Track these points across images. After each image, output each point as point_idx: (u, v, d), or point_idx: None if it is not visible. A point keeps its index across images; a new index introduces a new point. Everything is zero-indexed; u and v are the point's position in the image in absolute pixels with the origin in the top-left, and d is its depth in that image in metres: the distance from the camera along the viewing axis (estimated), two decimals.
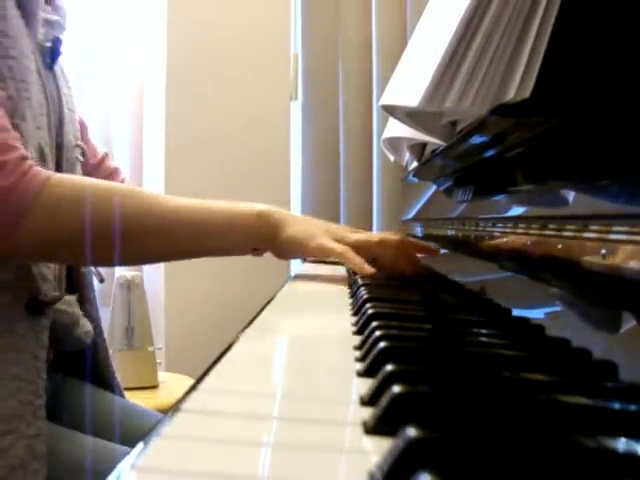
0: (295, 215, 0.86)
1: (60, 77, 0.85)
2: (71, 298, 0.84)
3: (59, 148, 0.82)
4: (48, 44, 0.81)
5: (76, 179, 0.75)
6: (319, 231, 0.83)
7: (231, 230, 0.78)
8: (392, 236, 0.91)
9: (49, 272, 0.73)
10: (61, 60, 0.86)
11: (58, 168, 0.82)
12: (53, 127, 0.79)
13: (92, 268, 0.91)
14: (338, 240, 0.83)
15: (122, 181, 1.03)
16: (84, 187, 0.71)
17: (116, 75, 2.08)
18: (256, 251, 0.83)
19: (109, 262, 0.79)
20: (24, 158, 0.65)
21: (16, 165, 0.64)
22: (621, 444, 0.24)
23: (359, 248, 0.83)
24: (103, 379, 0.94)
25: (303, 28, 1.99)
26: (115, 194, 0.71)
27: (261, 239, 0.80)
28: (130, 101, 2.10)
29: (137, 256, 0.78)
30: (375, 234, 0.94)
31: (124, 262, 0.80)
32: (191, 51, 2.06)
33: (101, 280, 0.93)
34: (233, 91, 2.08)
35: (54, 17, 0.83)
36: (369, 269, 0.80)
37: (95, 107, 2.06)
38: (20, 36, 0.72)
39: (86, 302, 0.88)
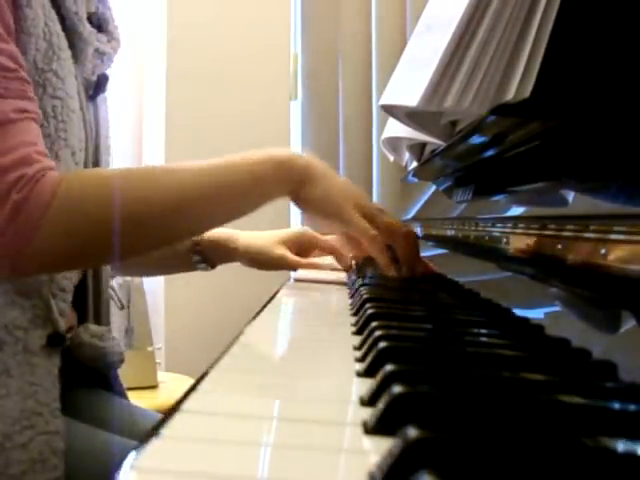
0: (319, 167, 0.79)
1: (100, 105, 0.85)
2: (104, 329, 0.83)
3: None
4: (94, 78, 0.82)
5: (90, 172, 0.74)
6: (348, 200, 0.78)
7: (255, 184, 0.74)
8: (413, 230, 0.87)
9: (66, 306, 0.73)
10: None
11: None
12: (90, 158, 0.80)
13: (113, 295, 0.91)
14: (366, 217, 0.79)
15: None
16: (99, 178, 0.69)
17: (116, 75, 2.08)
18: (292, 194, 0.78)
19: (141, 250, 0.76)
20: (44, 169, 0.65)
21: (33, 177, 0.64)
22: (621, 444, 0.24)
23: (384, 232, 0.79)
24: (106, 380, 0.94)
25: (303, 28, 1.99)
26: (135, 178, 0.69)
27: (285, 188, 0.76)
28: (130, 101, 2.09)
29: (177, 233, 0.75)
30: (399, 222, 0.87)
31: (155, 247, 0.76)
32: (191, 51, 2.07)
33: (122, 307, 0.92)
34: (233, 91, 2.08)
35: (107, 49, 0.83)
36: (392, 270, 0.78)
37: None
38: (69, 76, 0.73)
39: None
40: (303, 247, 1.03)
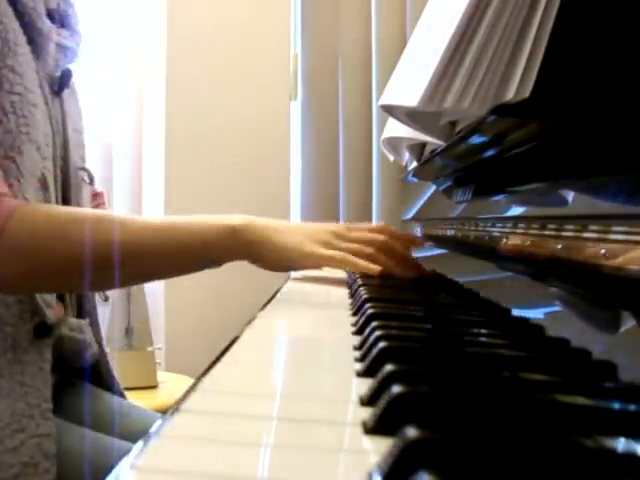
0: (277, 224, 0.80)
1: (67, 99, 0.85)
2: (85, 324, 0.84)
3: (65, 172, 0.82)
4: (58, 74, 0.82)
5: (44, 209, 0.73)
6: (307, 239, 0.78)
7: (204, 247, 0.75)
8: (378, 236, 0.85)
9: (51, 298, 0.74)
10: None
11: (65, 192, 0.82)
12: (58, 152, 0.80)
13: None
14: (330, 246, 0.79)
15: (98, 206, 1.00)
16: (50, 217, 0.70)
17: (116, 75, 2.08)
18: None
19: (82, 289, 0.78)
20: None
21: None
22: (621, 444, 0.24)
23: (355, 249, 0.79)
24: (103, 379, 0.94)
25: (303, 28, 1.99)
26: (85, 222, 0.70)
27: (239, 254, 0.77)
28: (130, 101, 2.10)
29: (112, 281, 0.75)
30: (365, 227, 0.87)
31: (98, 288, 0.80)
32: (191, 51, 2.07)
33: (105, 298, 0.93)
34: (233, 91, 2.08)
35: (69, 43, 0.83)
36: (375, 268, 0.78)
37: (95, 107, 2.06)
38: (28, 71, 0.73)
39: (93, 324, 0.89)
40: None
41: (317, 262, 0.78)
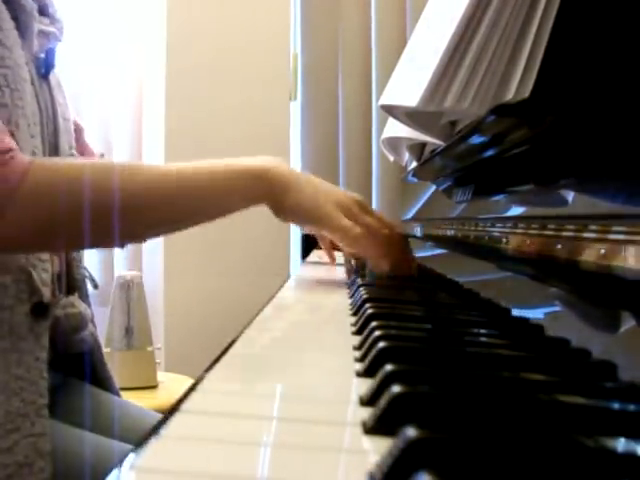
0: (301, 175, 0.79)
1: (55, 87, 0.85)
2: (75, 298, 0.83)
3: (54, 156, 0.81)
4: (42, 55, 0.81)
5: (62, 161, 0.73)
6: (330, 203, 0.77)
7: (229, 192, 0.74)
8: (397, 233, 0.86)
9: (47, 276, 0.73)
10: (58, 67, 0.86)
11: None
12: (47, 136, 0.79)
13: (86, 273, 0.91)
14: (351, 215, 0.78)
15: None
16: (72, 167, 0.69)
17: (115, 76, 2.08)
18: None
19: (109, 242, 0.75)
20: (8, 150, 0.64)
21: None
22: (621, 444, 0.24)
23: (365, 231, 0.79)
24: (101, 379, 0.94)
25: (303, 28, 1.99)
26: (109, 171, 0.69)
27: (262, 198, 0.76)
28: (130, 101, 2.09)
29: (139, 232, 0.75)
30: (383, 220, 0.86)
31: (125, 240, 0.75)
32: (191, 51, 2.07)
33: (95, 286, 0.92)
34: (233, 91, 2.08)
35: (50, 29, 0.83)
36: (383, 265, 0.78)
37: (95, 107, 2.06)
38: (15, 46, 0.72)
39: (83, 298, 0.88)
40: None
41: (335, 228, 0.77)
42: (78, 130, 0.94)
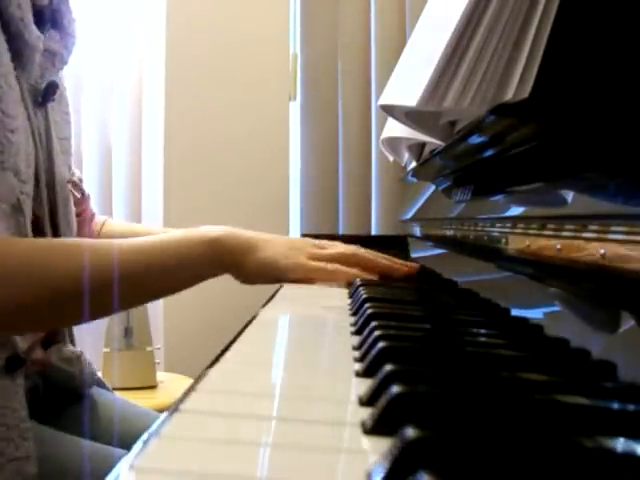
0: (258, 234, 0.78)
1: (52, 106, 0.80)
2: (76, 354, 0.82)
3: (52, 187, 0.77)
4: (43, 85, 0.76)
5: (19, 242, 0.68)
6: (291, 249, 0.76)
7: (181, 266, 0.73)
8: (357, 250, 0.85)
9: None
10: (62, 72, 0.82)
11: (52, 207, 0.78)
12: (42, 167, 0.75)
13: None
14: (314, 256, 0.77)
15: (81, 214, 0.93)
16: (27, 249, 0.67)
17: (115, 75, 2.08)
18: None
19: (79, 321, 0.74)
20: None
21: None
22: (620, 444, 0.24)
23: (341, 258, 0.79)
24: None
25: (302, 28, 1.99)
26: (59, 253, 0.67)
27: (219, 267, 0.75)
28: (129, 101, 2.09)
29: (108, 310, 0.74)
30: (341, 245, 0.84)
31: (96, 317, 0.74)
32: (190, 51, 2.06)
33: None
34: (232, 91, 2.08)
35: (58, 49, 0.77)
36: (369, 274, 0.78)
37: (94, 107, 2.06)
38: (8, 91, 0.68)
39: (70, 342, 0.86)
40: None
41: (306, 274, 0.76)
42: (83, 197, 0.91)
